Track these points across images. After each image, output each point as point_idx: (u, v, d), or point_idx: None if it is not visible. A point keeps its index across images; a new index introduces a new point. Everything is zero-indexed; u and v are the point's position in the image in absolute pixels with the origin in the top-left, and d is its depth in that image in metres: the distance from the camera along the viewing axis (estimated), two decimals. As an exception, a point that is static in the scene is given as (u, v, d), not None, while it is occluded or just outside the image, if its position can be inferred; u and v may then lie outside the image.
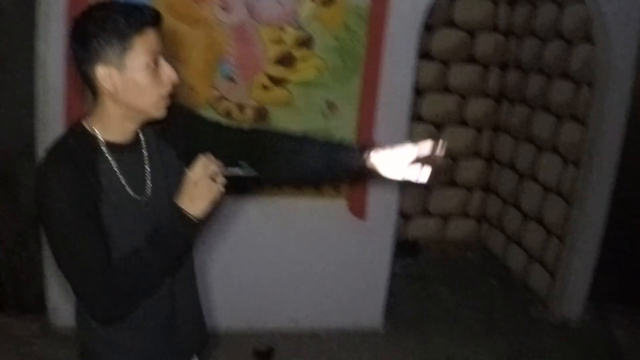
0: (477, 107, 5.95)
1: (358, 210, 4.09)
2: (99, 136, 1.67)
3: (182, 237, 1.64)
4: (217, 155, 1.68)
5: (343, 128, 3.87)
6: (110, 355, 1.82)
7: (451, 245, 6.13)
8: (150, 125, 1.77)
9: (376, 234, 4.22)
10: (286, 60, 3.75)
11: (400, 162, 1.84)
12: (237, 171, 1.65)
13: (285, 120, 3.80)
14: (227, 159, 1.70)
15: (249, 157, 1.81)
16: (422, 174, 1.83)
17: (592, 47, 4.49)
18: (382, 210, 4.17)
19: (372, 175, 1.89)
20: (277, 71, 3.75)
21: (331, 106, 3.87)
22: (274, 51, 3.72)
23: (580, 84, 4.65)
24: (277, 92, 3.79)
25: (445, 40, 5.69)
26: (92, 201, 1.59)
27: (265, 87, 3.75)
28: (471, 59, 5.81)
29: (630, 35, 4.28)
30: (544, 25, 5.23)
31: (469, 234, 6.28)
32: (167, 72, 1.66)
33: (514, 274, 5.48)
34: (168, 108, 1.73)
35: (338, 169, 1.95)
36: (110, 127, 1.68)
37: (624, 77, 4.34)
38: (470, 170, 6.07)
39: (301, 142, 1.99)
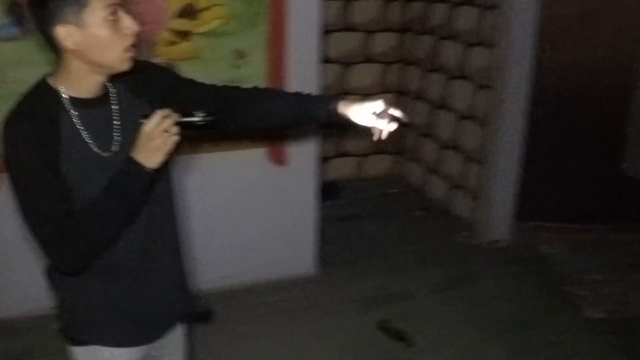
0: (383, 42, 5.91)
1: (278, 157, 4.02)
2: (63, 92, 1.67)
3: (137, 188, 1.65)
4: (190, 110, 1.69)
5: (254, 76, 3.75)
6: (84, 307, 1.86)
7: (370, 182, 6.15)
8: (122, 81, 1.77)
9: (299, 179, 4.16)
10: (189, 12, 3.57)
11: (369, 112, 1.94)
12: (192, 120, 1.64)
13: (193, 74, 3.63)
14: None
15: (223, 112, 1.87)
16: (389, 126, 1.94)
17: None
18: (302, 155, 4.11)
19: (340, 122, 2.02)
20: (181, 24, 3.58)
21: (240, 54, 3.74)
22: (175, 4, 3.53)
23: (485, 9, 4.66)
24: (183, 46, 3.62)
25: (345, -23, 5.61)
26: (51, 156, 1.61)
27: (170, 42, 3.58)
28: (372, -6, 5.75)
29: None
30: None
31: (387, 170, 6.31)
32: (128, 23, 1.64)
33: (436, 203, 5.54)
34: (140, 63, 1.76)
35: (309, 118, 2.11)
36: (75, 83, 1.68)
37: (529, -2, 4.38)
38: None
39: (276, 96, 2.12)
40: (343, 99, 2.00)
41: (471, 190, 5.02)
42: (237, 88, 2.10)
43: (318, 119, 2.06)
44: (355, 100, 1.98)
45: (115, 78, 1.74)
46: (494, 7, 4.55)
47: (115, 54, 1.63)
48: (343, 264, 4.53)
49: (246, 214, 4.11)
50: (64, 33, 1.57)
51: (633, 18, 4.84)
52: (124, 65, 1.67)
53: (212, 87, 2.04)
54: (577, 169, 5.03)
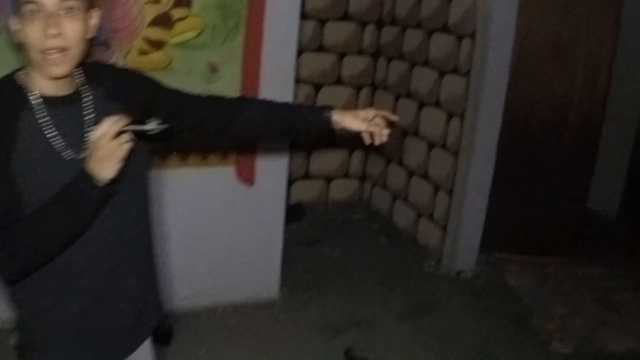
0: (354, 65, 5.87)
1: (246, 176, 3.90)
2: (29, 88, 1.60)
3: (87, 200, 1.54)
4: (174, 120, 1.69)
5: (227, 91, 3.64)
6: (39, 324, 1.74)
7: (334, 206, 6.07)
8: (99, 85, 1.71)
9: (267, 200, 4.05)
10: (163, 21, 3.46)
11: (364, 118, 1.98)
12: (146, 127, 1.54)
13: (165, 86, 3.53)
14: (185, 126, 1.85)
15: (212, 123, 1.94)
16: (384, 130, 1.97)
17: (472, -2, 4.49)
18: (271, 175, 4.00)
19: (333, 131, 2.02)
20: (155, 33, 3.46)
21: (213, 68, 3.64)
22: (150, 12, 3.41)
23: (461, 37, 4.64)
24: (155, 56, 3.49)
25: (319, -3, 5.56)
26: (3, 155, 1.53)
27: (142, 52, 3.46)
28: (346, 17, 5.70)
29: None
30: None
31: (352, 195, 6.23)
32: (39, 27, 1.51)
33: (402, 231, 5.48)
34: (122, 70, 1.79)
35: (303, 128, 2.10)
36: (40, 80, 1.60)
37: (506, 27, 4.37)
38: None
39: (266, 105, 2.08)
40: (335, 107, 2.01)
41: (439, 220, 4.97)
42: (223, 98, 2.06)
43: (313, 127, 2.06)
44: (347, 109, 2.01)
45: (91, 81, 1.69)
46: (469, 35, 4.52)
47: (34, 55, 1.54)
48: (307, 288, 4.42)
49: (210, 233, 3.98)
50: (14, 24, 1.55)
51: (605, 53, 4.85)
52: (49, 70, 1.56)
53: (197, 98, 1.98)
54: (544, 202, 5.01)
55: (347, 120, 1.97)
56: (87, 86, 1.68)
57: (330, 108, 2.01)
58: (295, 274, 4.54)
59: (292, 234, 5.10)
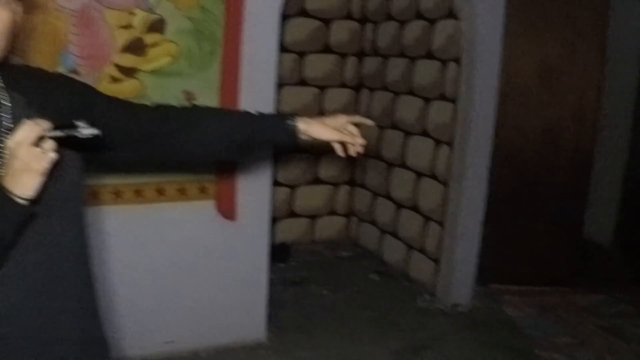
0: (336, 98, 5.74)
1: (227, 210, 3.70)
2: None
3: (3, 220, 1.28)
4: (114, 134, 1.52)
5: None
6: None
7: (321, 245, 5.87)
8: (19, 91, 1.44)
9: (250, 236, 3.85)
10: (136, 48, 3.30)
11: (334, 127, 1.80)
12: (72, 132, 1.28)
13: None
14: (128, 138, 1.62)
15: (158, 135, 1.68)
16: (357, 139, 1.79)
17: (456, 23, 4.37)
18: (253, 209, 3.81)
19: (300, 143, 1.82)
20: (127, 60, 3.29)
21: (189, 96, 3.47)
22: (122, 38, 3.25)
23: (446, 62, 4.52)
24: (128, 84, 3.32)
25: (299, 30, 5.45)
26: None
27: (114, 79, 3.28)
28: (326, 49, 5.59)
29: (496, 6, 4.19)
30: (401, 7, 5.09)
31: (339, 232, 6.04)
32: None
33: (393, 266, 5.28)
34: (48, 74, 1.55)
35: (264, 140, 1.85)
36: None
37: (492, 51, 4.25)
38: (334, 165, 5.82)
39: (223, 114, 1.92)
40: (300, 116, 1.80)
41: (431, 252, 4.78)
42: (172, 107, 1.82)
43: (277, 139, 1.83)
44: (314, 117, 1.82)
45: (13, 86, 1.44)
46: (455, 60, 4.40)
47: None
48: (296, 330, 4.19)
49: (190, 272, 3.76)
50: None
51: (593, 75, 4.75)
52: None
53: (140, 107, 1.74)
54: (539, 229, 4.85)
55: (315, 130, 1.78)
56: (6, 92, 1.44)
57: (294, 116, 1.80)
58: (283, 315, 4.32)
59: (278, 274, 4.92)
